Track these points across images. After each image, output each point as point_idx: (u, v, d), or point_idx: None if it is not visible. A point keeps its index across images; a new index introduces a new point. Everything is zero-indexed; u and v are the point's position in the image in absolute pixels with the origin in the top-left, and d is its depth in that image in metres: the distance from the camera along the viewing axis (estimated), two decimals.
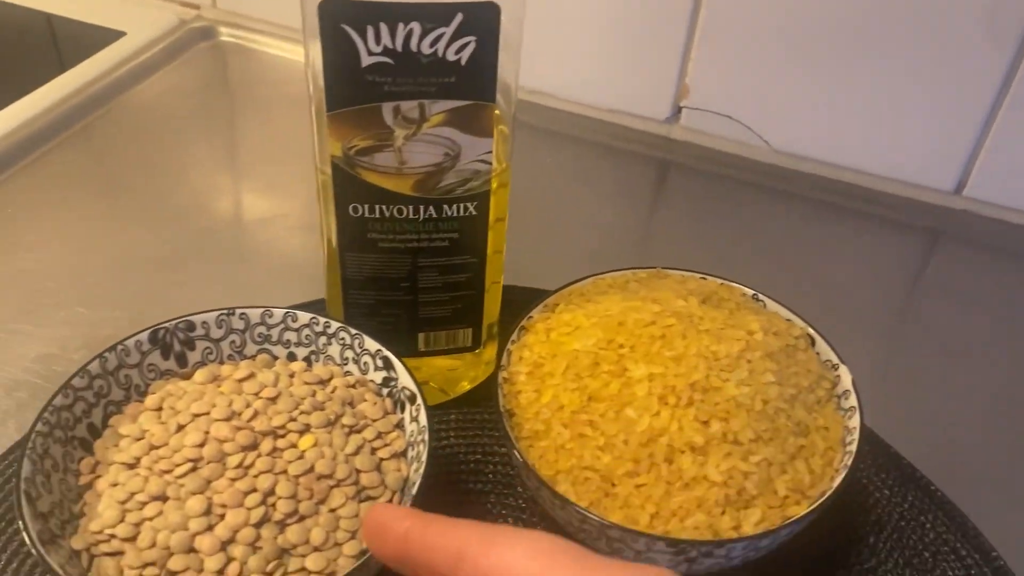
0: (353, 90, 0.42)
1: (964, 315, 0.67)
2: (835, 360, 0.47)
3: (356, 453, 0.43)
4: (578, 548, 0.26)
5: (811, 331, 0.49)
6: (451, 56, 0.41)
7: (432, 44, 0.41)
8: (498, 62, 0.42)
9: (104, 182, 0.74)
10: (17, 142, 0.74)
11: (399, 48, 0.41)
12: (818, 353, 0.48)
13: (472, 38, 0.41)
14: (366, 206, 0.46)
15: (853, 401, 0.45)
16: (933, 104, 0.72)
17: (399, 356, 0.46)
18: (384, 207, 0.46)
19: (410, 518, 0.30)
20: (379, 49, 0.41)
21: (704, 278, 0.51)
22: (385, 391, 0.47)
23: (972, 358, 0.63)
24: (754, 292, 0.51)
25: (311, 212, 0.49)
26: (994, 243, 0.75)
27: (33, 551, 0.37)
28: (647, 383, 0.42)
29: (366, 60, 0.41)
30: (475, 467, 0.53)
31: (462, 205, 0.47)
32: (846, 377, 0.46)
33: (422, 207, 0.46)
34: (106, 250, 0.67)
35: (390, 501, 0.42)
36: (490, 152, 0.45)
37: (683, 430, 0.41)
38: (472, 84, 0.43)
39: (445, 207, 0.46)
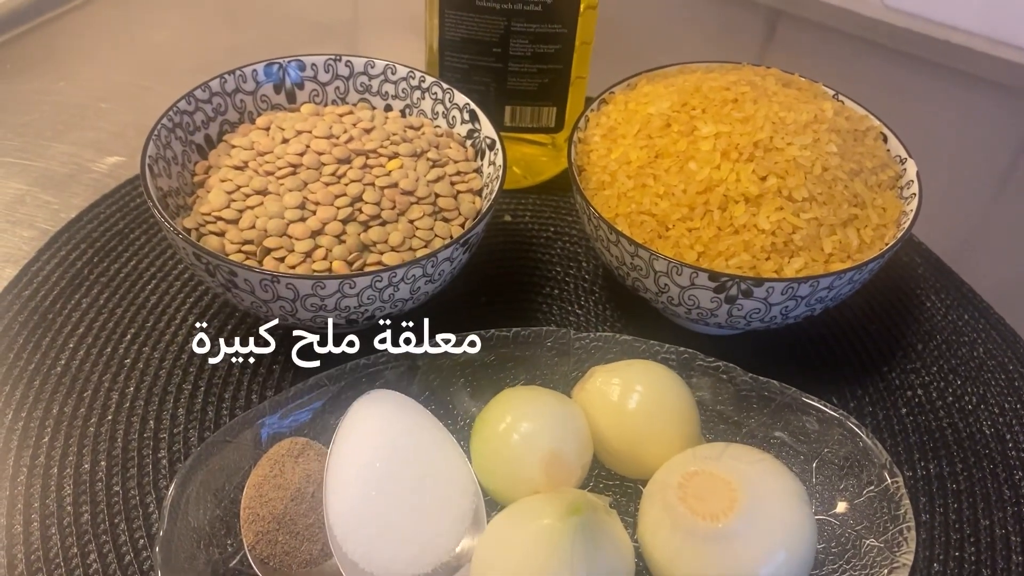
0: None
1: None
2: (904, 155, 0.48)
3: (436, 181, 0.47)
4: None
5: (885, 130, 0.50)
6: None
7: None
8: None
9: None
10: None
11: None
12: (888, 150, 0.49)
13: None
14: None
15: (915, 190, 0.46)
16: None
17: None
18: None
19: None
20: None
21: (790, 72, 0.52)
22: (469, 142, 0.50)
23: None
24: (835, 92, 0.52)
25: None
26: None
27: (153, 212, 0.42)
28: (712, 140, 0.44)
29: None
30: (546, 241, 0.57)
31: None
32: (911, 170, 0.47)
33: None
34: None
35: (462, 226, 0.46)
36: None
37: (740, 181, 0.43)
38: None
39: None
